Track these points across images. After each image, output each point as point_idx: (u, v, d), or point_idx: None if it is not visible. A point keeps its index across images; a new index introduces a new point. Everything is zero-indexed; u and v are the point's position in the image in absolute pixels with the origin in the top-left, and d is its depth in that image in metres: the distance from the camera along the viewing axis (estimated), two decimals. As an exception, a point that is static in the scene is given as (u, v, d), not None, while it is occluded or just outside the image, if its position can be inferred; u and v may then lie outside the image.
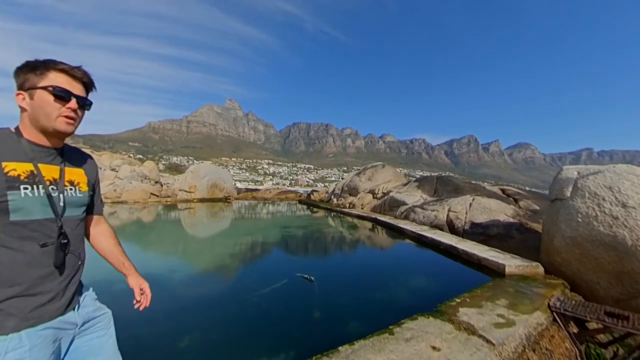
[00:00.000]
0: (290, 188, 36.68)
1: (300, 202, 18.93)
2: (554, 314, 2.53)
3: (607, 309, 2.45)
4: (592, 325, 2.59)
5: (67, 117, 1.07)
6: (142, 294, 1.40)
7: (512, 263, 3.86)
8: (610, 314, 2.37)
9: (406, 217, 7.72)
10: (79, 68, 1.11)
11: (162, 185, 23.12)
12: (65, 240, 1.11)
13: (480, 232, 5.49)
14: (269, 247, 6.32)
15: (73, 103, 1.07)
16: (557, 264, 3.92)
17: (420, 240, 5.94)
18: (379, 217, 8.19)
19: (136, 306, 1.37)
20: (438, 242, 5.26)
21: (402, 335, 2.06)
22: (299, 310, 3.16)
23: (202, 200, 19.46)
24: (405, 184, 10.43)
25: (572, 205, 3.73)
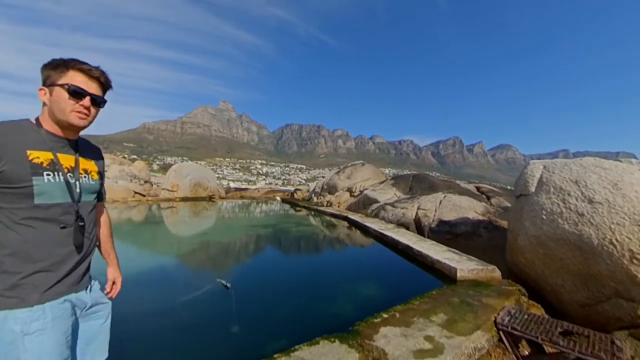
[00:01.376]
0: (279, 187, 36.18)
1: (283, 200, 18.42)
2: (501, 332, 2.07)
3: (565, 326, 1.98)
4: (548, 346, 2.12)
5: (79, 112, 1.12)
6: (112, 285, 1.48)
7: (465, 266, 3.36)
8: (568, 333, 1.92)
9: (376, 215, 7.27)
10: (97, 68, 1.17)
11: (152, 185, 22.32)
12: (82, 223, 1.18)
13: (446, 231, 5.07)
14: (220, 248, 5.78)
15: (87, 100, 1.13)
16: (521, 264, 3.52)
17: (382, 239, 5.44)
18: (349, 216, 7.71)
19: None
20: (397, 241, 4.76)
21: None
22: (206, 322, 2.68)
23: (184, 200, 18.72)
24: (382, 182, 10.02)
25: (536, 202, 3.33)
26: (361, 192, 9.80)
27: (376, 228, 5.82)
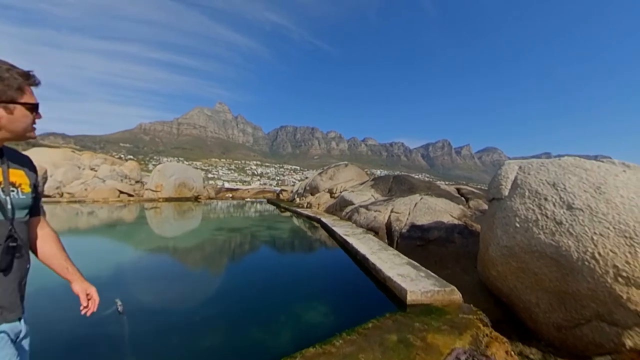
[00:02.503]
0: (268, 188, 35.59)
1: (268, 201, 17.82)
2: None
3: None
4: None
5: (34, 124, 1.12)
6: (89, 299, 1.29)
7: (418, 288, 2.73)
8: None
9: (349, 218, 6.73)
10: (37, 78, 1.10)
11: (143, 185, 21.51)
12: (14, 244, 1.05)
13: (418, 236, 4.55)
14: (167, 257, 5.19)
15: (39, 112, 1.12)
16: (492, 277, 3.04)
17: (344, 246, 4.77)
18: (322, 218, 7.15)
19: (83, 312, 1.26)
20: (355, 250, 4.11)
21: None
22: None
23: (168, 200, 17.96)
24: (363, 183, 9.53)
25: (509, 207, 2.85)
26: (341, 193, 9.29)
27: (341, 233, 5.21)
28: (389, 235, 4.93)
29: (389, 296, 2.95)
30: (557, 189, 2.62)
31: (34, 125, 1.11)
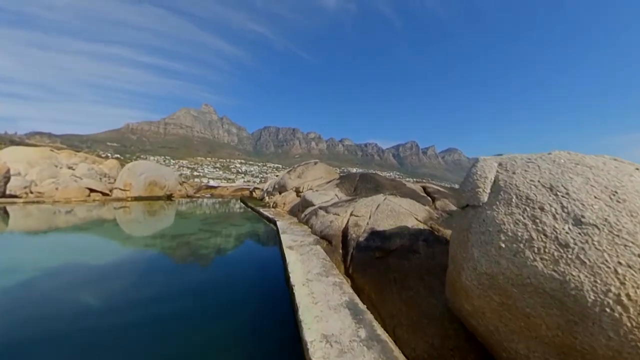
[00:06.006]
0: (250, 185, 34.01)
1: (241, 199, 16.45)
2: None
3: None
4: None
5: None
6: None
7: None
8: None
9: (307, 222, 5.68)
10: None
11: None
12: None
13: (377, 246, 3.49)
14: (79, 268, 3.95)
15: None
16: (465, 312, 2.11)
17: (284, 264, 3.52)
18: (278, 222, 6.11)
19: None
20: (289, 274, 2.94)
21: None
22: None
23: (137, 199, 16.06)
24: (329, 182, 8.56)
25: (490, 218, 1.91)
26: (307, 191, 8.26)
27: (285, 244, 4.07)
28: (344, 245, 3.90)
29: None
30: (556, 195, 1.71)
31: None
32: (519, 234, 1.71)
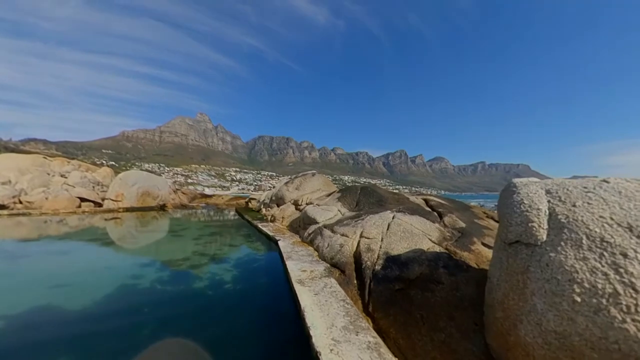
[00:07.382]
0: (246, 194, 33.21)
1: (236, 210, 15.85)
2: None
3: None
4: None
5: None
6: None
7: None
8: None
9: (312, 242, 5.16)
10: None
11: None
12: None
13: (395, 276, 3.04)
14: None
15: None
16: (523, 371, 1.75)
17: (296, 304, 2.85)
18: (280, 241, 5.44)
19: None
20: (308, 326, 2.31)
21: None
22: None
23: (129, 210, 15.27)
24: (330, 195, 8.15)
25: (557, 263, 1.58)
26: (307, 206, 7.83)
27: (294, 276, 3.41)
28: (359, 275, 3.43)
29: None
30: (639, 237, 1.39)
31: None
32: (599, 286, 1.37)
